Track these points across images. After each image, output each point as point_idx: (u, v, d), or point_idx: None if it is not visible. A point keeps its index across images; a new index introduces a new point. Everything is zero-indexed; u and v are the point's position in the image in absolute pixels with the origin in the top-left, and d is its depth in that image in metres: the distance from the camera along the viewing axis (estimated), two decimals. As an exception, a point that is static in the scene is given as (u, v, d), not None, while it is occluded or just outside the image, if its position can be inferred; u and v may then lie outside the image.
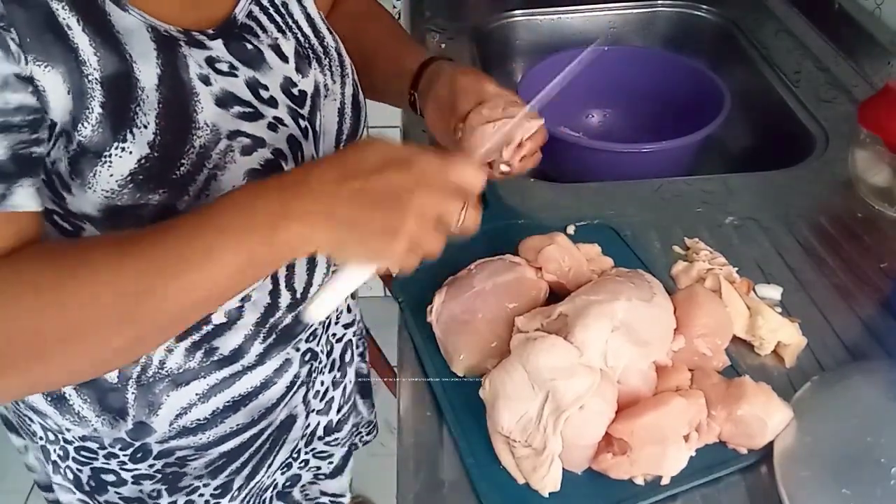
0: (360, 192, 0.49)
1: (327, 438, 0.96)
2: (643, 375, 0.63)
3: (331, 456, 1.00)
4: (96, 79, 0.51)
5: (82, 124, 0.51)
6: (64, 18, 0.50)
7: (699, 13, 1.37)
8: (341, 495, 1.06)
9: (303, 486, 0.98)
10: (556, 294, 0.73)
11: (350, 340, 0.96)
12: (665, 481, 0.59)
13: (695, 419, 0.61)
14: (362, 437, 1.17)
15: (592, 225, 0.85)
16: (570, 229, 0.84)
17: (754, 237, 0.84)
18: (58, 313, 0.48)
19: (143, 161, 0.54)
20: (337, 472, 1.02)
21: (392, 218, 0.49)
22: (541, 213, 0.87)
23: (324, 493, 1.04)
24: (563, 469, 0.59)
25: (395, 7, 1.54)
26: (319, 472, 1.00)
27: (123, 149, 0.53)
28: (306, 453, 0.94)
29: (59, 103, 0.50)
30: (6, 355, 0.48)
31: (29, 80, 0.49)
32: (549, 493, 0.58)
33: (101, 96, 0.52)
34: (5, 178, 0.48)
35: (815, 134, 1.02)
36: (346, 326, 0.96)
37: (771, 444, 0.61)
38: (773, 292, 0.77)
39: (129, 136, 0.53)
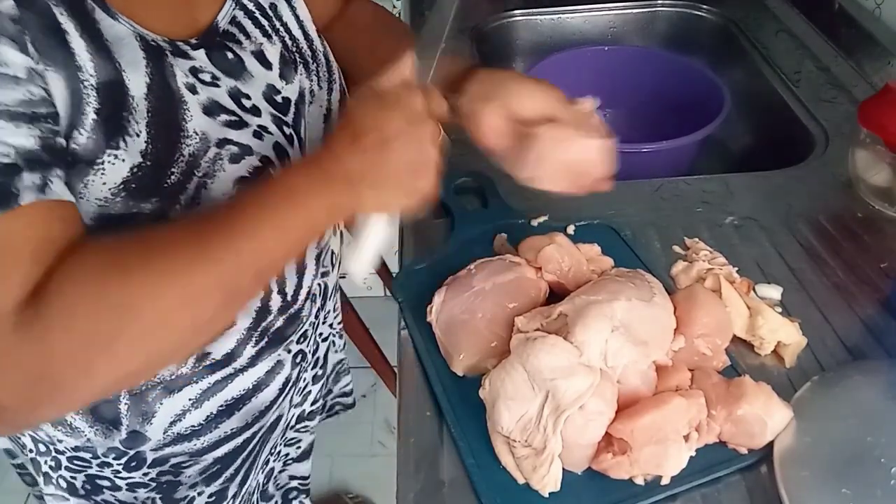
0: (378, 143, 0.55)
1: (298, 426, 0.97)
2: (643, 375, 0.63)
3: (299, 441, 1.02)
4: (92, 85, 0.51)
5: (77, 131, 0.51)
6: (63, 24, 0.50)
7: (699, 13, 1.37)
8: (307, 477, 1.08)
9: (274, 476, 1.00)
10: (556, 294, 0.73)
11: (331, 339, 0.97)
12: (665, 481, 0.59)
13: (695, 419, 0.61)
14: (336, 410, 1.17)
15: (592, 225, 0.85)
16: (570, 229, 0.84)
17: (754, 237, 0.84)
18: (153, 290, 0.49)
19: (135, 170, 0.54)
20: (304, 455, 1.05)
21: (419, 152, 0.56)
22: (541, 213, 0.87)
23: (292, 478, 1.06)
24: (563, 469, 0.59)
25: (395, 7, 1.54)
26: (288, 457, 1.02)
27: (116, 156, 0.53)
28: (279, 445, 0.95)
29: (61, 108, 0.50)
30: (114, 334, 0.48)
31: (43, 80, 0.49)
32: (549, 493, 0.58)
33: (96, 102, 0.52)
34: (43, 167, 0.48)
35: (815, 134, 1.02)
36: (332, 326, 0.96)
37: (771, 444, 0.61)
38: (773, 292, 0.76)
39: (121, 144, 0.53)
